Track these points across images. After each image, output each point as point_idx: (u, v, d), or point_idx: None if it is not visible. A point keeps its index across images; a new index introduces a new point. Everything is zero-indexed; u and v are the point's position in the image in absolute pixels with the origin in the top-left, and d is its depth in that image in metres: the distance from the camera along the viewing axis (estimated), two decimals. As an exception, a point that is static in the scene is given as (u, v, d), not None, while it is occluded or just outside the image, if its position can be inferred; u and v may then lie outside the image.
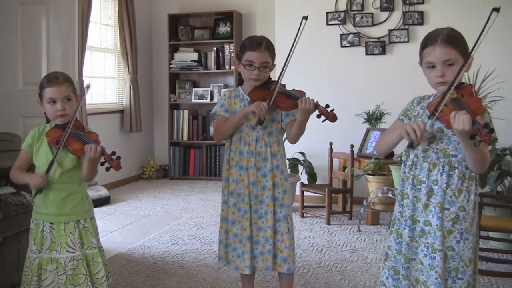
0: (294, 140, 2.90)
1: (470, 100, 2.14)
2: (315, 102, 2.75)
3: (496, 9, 2.14)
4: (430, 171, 2.31)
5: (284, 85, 2.89)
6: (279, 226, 2.91)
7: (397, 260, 2.39)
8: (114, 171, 2.61)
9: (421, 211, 2.33)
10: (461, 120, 2.04)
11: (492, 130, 1.98)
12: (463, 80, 2.33)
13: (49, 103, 2.63)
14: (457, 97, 2.17)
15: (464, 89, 2.19)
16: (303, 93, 2.85)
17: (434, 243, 2.27)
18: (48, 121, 2.75)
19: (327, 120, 2.77)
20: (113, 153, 2.57)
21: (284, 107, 2.85)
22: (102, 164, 2.56)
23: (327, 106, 2.79)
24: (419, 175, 2.35)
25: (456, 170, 2.26)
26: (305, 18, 2.76)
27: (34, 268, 2.64)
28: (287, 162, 5.54)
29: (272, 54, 2.88)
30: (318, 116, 2.77)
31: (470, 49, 2.22)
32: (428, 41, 2.29)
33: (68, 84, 2.67)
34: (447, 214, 2.26)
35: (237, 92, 2.99)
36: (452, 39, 2.25)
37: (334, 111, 2.80)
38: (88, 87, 2.72)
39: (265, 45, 2.84)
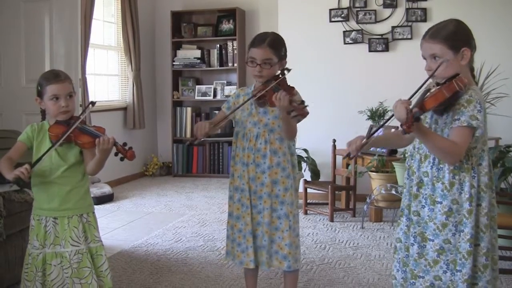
0: (285, 137, 2.88)
1: (433, 92, 2.23)
2: (290, 98, 2.67)
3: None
4: (421, 163, 2.37)
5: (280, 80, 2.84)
6: (280, 224, 2.90)
7: (403, 252, 2.44)
8: (119, 168, 2.63)
9: (412, 201, 2.39)
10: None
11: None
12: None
13: (52, 99, 2.64)
14: (427, 89, 2.30)
15: (448, 83, 2.21)
16: (292, 88, 2.80)
17: (425, 233, 2.32)
18: (43, 118, 2.76)
19: (298, 116, 2.67)
20: (125, 144, 2.61)
21: (271, 103, 2.80)
22: (116, 154, 2.59)
23: (303, 102, 2.73)
24: (413, 166, 2.41)
25: (446, 164, 2.28)
26: (287, 70, 2.80)
27: (39, 264, 2.65)
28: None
29: (276, 51, 2.83)
30: (288, 113, 2.68)
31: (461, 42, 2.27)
32: (423, 35, 2.37)
33: (69, 81, 2.71)
34: (440, 208, 2.29)
35: (249, 89, 2.99)
36: (436, 34, 2.30)
37: (307, 107, 2.72)
38: (93, 103, 2.72)
39: (268, 42, 2.82)
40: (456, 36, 2.28)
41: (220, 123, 2.86)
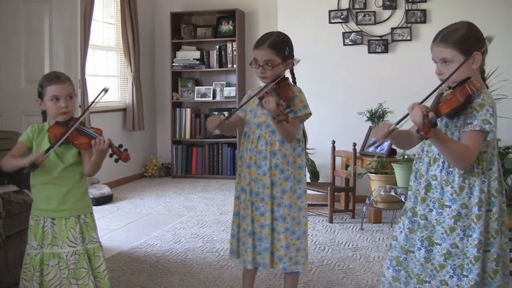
0: (284, 140, 2.86)
1: (447, 96, 2.21)
2: (277, 102, 2.67)
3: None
4: (429, 166, 2.35)
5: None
6: (277, 225, 2.91)
7: (399, 251, 2.43)
8: (118, 169, 2.64)
9: (420, 205, 2.37)
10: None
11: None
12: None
13: (52, 100, 2.66)
14: (441, 93, 2.28)
15: (461, 87, 2.21)
16: (287, 91, 2.83)
17: (432, 237, 2.31)
18: (44, 119, 2.78)
19: (282, 121, 2.66)
20: (120, 145, 2.62)
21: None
22: (111, 156, 2.61)
23: (288, 106, 2.74)
24: (421, 168, 2.39)
25: (457, 168, 2.26)
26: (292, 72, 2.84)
27: (36, 264, 2.66)
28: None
29: (278, 52, 2.82)
30: (274, 117, 2.67)
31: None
32: (434, 38, 2.33)
33: (70, 83, 2.74)
34: (449, 212, 2.26)
35: (259, 89, 2.98)
36: (448, 38, 2.27)
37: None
38: (106, 90, 2.74)
39: (268, 43, 2.81)
40: (467, 41, 2.25)
41: (229, 118, 2.84)
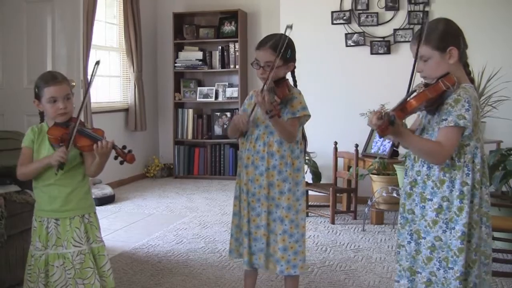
0: (283, 139, 2.85)
1: (417, 94, 2.21)
2: (268, 97, 2.70)
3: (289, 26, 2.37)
4: (414, 162, 2.40)
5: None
6: (274, 227, 2.90)
7: (397, 244, 2.51)
8: (120, 169, 2.63)
9: (407, 200, 2.42)
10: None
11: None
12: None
13: (50, 102, 2.65)
14: (413, 90, 2.27)
15: (434, 84, 2.21)
16: (283, 91, 2.83)
17: (420, 230, 2.35)
18: (42, 120, 2.77)
19: (275, 116, 2.69)
20: (124, 147, 2.61)
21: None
22: (116, 158, 2.59)
23: (282, 101, 2.79)
24: (409, 165, 2.44)
25: (431, 163, 2.30)
26: (290, 27, 2.74)
27: (41, 265, 2.66)
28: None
29: (281, 54, 2.81)
30: (267, 112, 2.70)
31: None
32: (413, 36, 2.37)
33: (67, 83, 2.72)
34: (431, 205, 2.30)
35: None
36: (425, 35, 2.29)
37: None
38: (98, 63, 2.73)
39: (270, 45, 2.81)
40: (443, 37, 2.28)
41: (252, 113, 2.85)
